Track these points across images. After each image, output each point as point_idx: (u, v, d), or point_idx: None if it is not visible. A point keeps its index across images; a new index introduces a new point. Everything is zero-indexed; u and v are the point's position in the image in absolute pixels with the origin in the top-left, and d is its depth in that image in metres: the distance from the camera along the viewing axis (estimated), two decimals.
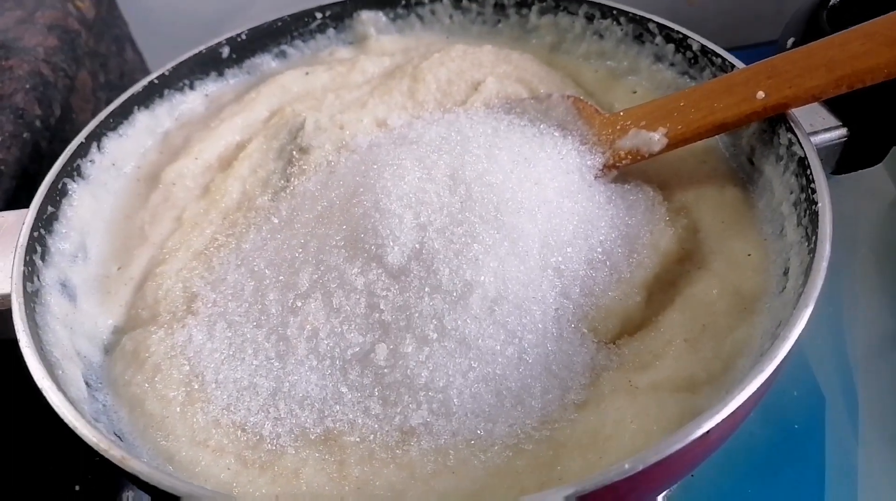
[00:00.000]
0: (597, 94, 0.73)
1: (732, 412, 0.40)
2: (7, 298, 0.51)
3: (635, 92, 0.72)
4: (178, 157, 0.68)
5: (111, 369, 0.56)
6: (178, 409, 0.52)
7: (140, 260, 0.62)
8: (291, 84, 0.72)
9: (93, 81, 1.04)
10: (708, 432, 0.39)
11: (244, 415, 0.51)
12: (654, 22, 0.69)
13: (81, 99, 0.99)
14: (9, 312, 0.52)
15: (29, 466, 0.69)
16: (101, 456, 0.42)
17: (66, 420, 0.43)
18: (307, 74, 0.73)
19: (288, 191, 0.62)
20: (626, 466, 0.38)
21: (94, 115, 1.03)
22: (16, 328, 0.48)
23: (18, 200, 0.63)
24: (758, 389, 0.41)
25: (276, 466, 0.49)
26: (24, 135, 0.84)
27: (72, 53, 1.00)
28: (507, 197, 0.53)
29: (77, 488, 0.74)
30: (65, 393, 0.45)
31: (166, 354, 0.55)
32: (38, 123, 0.87)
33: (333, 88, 0.72)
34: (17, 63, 0.93)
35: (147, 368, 0.54)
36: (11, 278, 0.51)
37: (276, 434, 0.50)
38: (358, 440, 0.49)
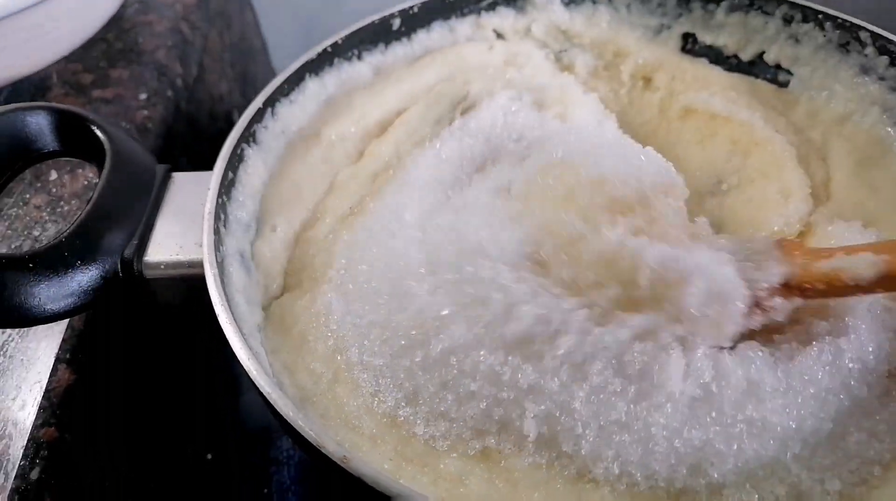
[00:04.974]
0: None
1: None
2: (199, 264, 0.47)
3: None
4: (339, 119, 0.64)
5: (267, 338, 0.53)
6: (326, 387, 0.49)
7: (295, 224, 0.59)
8: (470, 56, 0.69)
9: (220, 41, 1.01)
10: None
11: (392, 406, 0.47)
12: (867, 31, 0.63)
13: (211, 59, 0.96)
14: (188, 280, 0.50)
15: (165, 436, 0.67)
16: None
17: (280, 412, 0.39)
18: (491, 48, 0.70)
19: None
20: None
21: (221, 76, 1.01)
22: (213, 301, 0.45)
23: (164, 159, 0.60)
24: None
25: (437, 468, 0.45)
26: (168, 93, 0.81)
27: (206, 12, 0.97)
28: None
29: (209, 456, 0.72)
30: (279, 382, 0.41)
31: (310, 323, 0.52)
32: (179, 81, 0.84)
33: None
34: (155, 19, 0.90)
35: (294, 336, 0.52)
36: (203, 245, 0.48)
37: (430, 436, 0.46)
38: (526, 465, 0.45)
